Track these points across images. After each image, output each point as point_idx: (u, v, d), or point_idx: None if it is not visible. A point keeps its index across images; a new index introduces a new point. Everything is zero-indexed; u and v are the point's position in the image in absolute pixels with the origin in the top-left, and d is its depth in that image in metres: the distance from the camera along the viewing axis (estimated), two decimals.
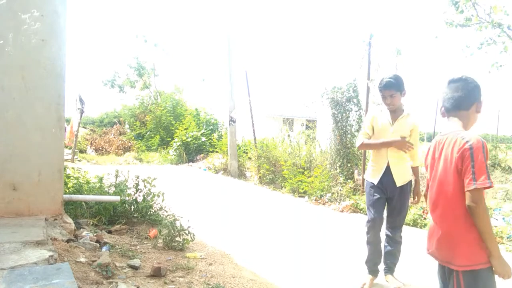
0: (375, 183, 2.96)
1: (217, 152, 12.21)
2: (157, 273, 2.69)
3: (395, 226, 3.00)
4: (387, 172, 2.92)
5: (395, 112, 2.94)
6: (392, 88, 2.83)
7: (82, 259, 2.58)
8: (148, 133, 17.65)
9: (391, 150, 2.91)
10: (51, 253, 2.26)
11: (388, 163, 2.92)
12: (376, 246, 3.00)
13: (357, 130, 7.10)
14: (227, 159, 10.49)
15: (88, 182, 4.50)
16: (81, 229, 3.34)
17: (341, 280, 3.14)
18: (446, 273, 1.71)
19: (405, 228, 4.99)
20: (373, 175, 3.00)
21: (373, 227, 2.95)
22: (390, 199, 2.96)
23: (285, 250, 3.86)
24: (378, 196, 2.94)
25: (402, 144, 2.83)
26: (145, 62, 21.16)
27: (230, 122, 10.05)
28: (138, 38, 19.85)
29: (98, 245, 3.02)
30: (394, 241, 3.00)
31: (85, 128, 19.22)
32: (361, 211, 5.85)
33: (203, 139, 14.27)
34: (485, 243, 1.55)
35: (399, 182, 2.91)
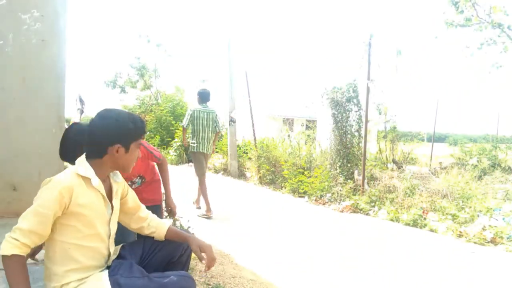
0: None
1: (217, 152, 12.20)
2: None
3: None
4: None
5: None
6: None
7: None
8: (148, 133, 17.65)
9: None
10: None
11: None
12: None
13: (357, 130, 7.11)
14: (227, 159, 10.49)
15: None
16: None
17: (341, 280, 3.15)
18: None
19: (405, 229, 5.00)
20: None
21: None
22: None
23: (285, 250, 3.86)
24: None
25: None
26: (147, 62, 21.19)
27: (230, 122, 10.03)
28: (141, 38, 19.83)
29: None
30: None
31: None
32: (361, 211, 5.85)
33: None
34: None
35: None
